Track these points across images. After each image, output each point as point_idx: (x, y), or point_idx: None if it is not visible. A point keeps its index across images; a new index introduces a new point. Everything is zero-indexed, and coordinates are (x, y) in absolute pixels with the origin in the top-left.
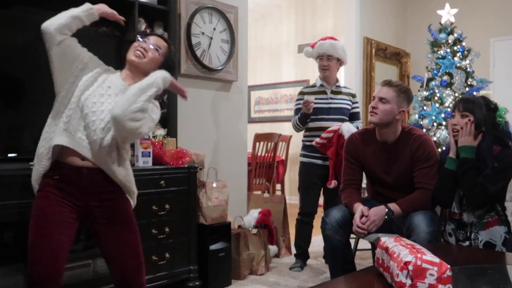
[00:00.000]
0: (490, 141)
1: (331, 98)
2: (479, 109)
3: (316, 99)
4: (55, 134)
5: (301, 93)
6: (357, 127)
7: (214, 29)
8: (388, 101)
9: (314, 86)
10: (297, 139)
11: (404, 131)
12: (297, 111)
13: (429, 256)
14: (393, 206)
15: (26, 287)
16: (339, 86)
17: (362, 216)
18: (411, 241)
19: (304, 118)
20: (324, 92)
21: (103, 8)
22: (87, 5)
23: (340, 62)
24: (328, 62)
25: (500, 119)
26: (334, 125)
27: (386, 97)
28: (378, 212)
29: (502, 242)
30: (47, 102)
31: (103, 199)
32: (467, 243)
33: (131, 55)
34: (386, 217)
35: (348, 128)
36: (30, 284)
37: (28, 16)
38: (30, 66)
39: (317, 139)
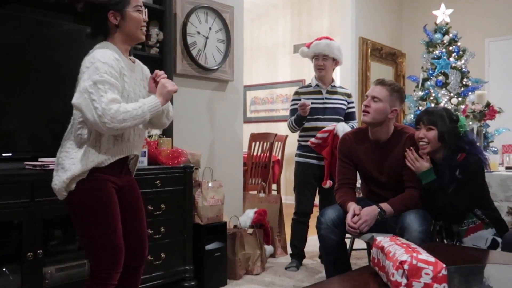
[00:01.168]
0: (450, 152)
1: (326, 98)
2: (442, 121)
3: (311, 99)
4: None
5: (297, 93)
6: (352, 127)
7: (210, 28)
8: (380, 100)
9: (309, 86)
10: (293, 139)
11: (397, 130)
12: (292, 111)
13: (425, 255)
14: (385, 205)
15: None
16: (334, 86)
17: (354, 215)
18: (407, 241)
19: (300, 120)
20: (320, 92)
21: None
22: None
23: (335, 62)
24: (324, 62)
25: (461, 129)
26: (329, 125)
27: (379, 96)
28: (370, 212)
29: (489, 246)
30: (43, 101)
31: (128, 181)
32: None
33: (139, 33)
34: (378, 217)
35: (343, 128)
36: (106, 270)
37: (23, 15)
38: (25, 65)
39: (312, 139)
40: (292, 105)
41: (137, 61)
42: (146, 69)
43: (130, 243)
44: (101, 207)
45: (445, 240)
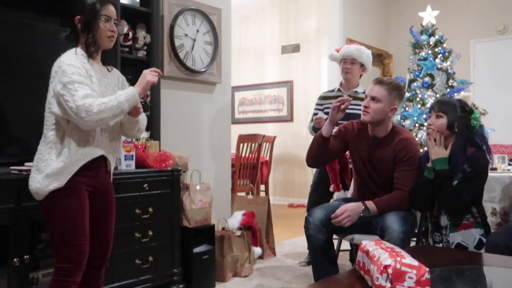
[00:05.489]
0: (462, 142)
1: None
2: (453, 110)
3: (331, 104)
4: None
5: (320, 97)
6: None
7: (198, 31)
8: (379, 100)
9: (333, 90)
10: (281, 140)
11: (393, 130)
12: (314, 116)
13: (408, 259)
14: (370, 204)
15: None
16: (357, 91)
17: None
18: (391, 244)
19: (316, 130)
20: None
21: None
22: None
23: (363, 68)
24: (351, 65)
25: (475, 122)
26: None
27: (378, 96)
28: (355, 208)
29: (475, 245)
30: (29, 105)
31: (104, 184)
32: (441, 245)
33: (107, 41)
34: (362, 214)
35: None
36: (67, 268)
37: (9, 17)
38: (11, 68)
39: None
40: (315, 109)
41: (115, 69)
42: (122, 77)
43: (95, 243)
44: (66, 207)
45: (430, 236)
